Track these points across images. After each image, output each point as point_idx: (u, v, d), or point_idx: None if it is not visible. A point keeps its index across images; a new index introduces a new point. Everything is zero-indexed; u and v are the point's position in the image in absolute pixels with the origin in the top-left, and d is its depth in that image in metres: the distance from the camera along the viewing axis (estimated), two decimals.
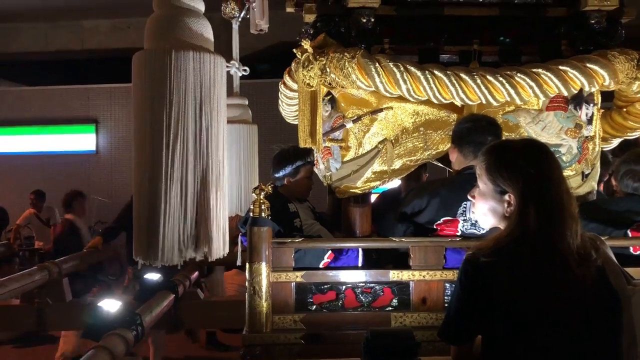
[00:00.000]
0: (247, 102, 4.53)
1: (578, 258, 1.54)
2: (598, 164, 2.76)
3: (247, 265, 2.39)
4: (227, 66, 4.43)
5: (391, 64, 2.48)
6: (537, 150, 1.67)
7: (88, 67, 12.08)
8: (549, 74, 2.46)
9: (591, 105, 2.68)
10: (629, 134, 2.90)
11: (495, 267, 1.56)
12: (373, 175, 2.74)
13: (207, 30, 2.12)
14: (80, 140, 11.09)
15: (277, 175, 3.18)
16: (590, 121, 2.70)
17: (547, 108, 2.66)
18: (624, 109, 2.87)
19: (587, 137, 2.69)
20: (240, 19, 4.33)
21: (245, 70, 4.51)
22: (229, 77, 4.46)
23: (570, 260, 1.53)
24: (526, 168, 1.61)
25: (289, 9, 3.68)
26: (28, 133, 11.10)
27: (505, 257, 1.56)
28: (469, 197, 1.81)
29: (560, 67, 2.48)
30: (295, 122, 2.79)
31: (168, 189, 2.02)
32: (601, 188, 3.36)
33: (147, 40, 2.10)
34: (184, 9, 2.08)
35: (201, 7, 2.15)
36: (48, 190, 8.77)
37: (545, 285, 1.53)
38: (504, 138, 2.60)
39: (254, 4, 4.16)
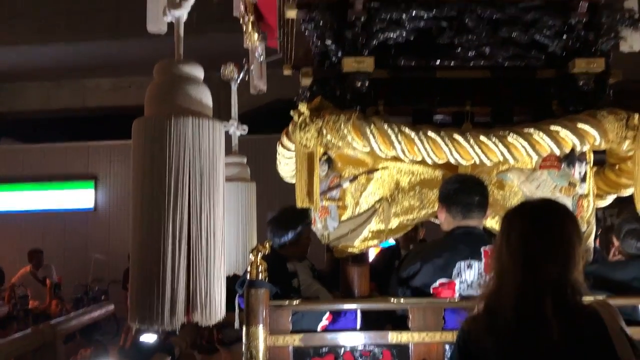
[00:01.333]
0: (245, 160, 4.59)
1: (569, 325, 1.53)
2: (594, 222, 2.77)
3: (244, 329, 2.36)
4: (226, 125, 4.53)
5: (386, 126, 2.54)
6: (536, 211, 1.67)
7: (89, 124, 12.27)
8: (541, 134, 2.52)
9: (584, 163, 2.72)
10: (623, 191, 2.93)
11: (480, 333, 1.56)
12: (370, 234, 2.75)
13: (206, 96, 2.18)
14: (79, 198, 11.13)
15: (278, 242, 3.19)
16: (583, 179, 2.73)
17: (540, 167, 2.70)
18: (617, 167, 2.91)
19: (581, 195, 2.72)
20: (238, 81, 4.45)
21: (244, 130, 4.60)
22: (228, 136, 4.54)
23: (554, 327, 1.51)
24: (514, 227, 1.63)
25: (287, 72, 3.79)
26: (27, 190, 11.15)
27: (489, 322, 1.56)
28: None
29: (552, 128, 2.53)
30: (293, 181, 2.83)
31: (166, 251, 2.02)
32: (597, 243, 3.37)
33: (147, 107, 2.16)
34: (184, 76, 2.14)
35: (200, 74, 2.21)
36: (46, 248, 8.74)
37: (528, 353, 1.52)
38: (499, 197, 2.62)
39: (252, 67, 4.28)
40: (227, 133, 4.43)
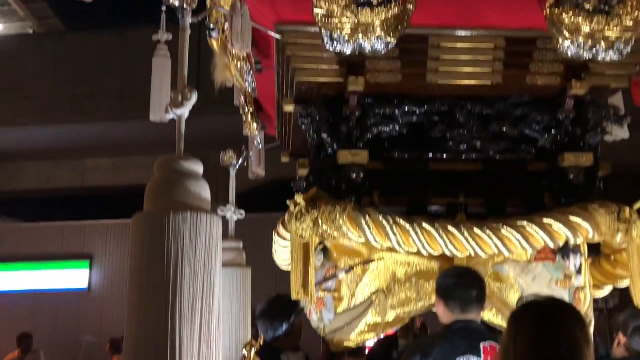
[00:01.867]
0: (241, 245, 4.59)
1: None
2: (592, 314, 2.75)
3: None
4: (223, 210, 4.56)
5: (381, 217, 2.57)
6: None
7: (87, 204, 12.32)
8: (534, 227, 2.55)
9: (579, 255, 2.74)
10: (619, 282, 2.92)
11: None
12: (367, 328, 2.72)
13: (204, 191, 2.22)
14: (73, 277, 10.98)
15: (271, 335, 3.14)
16: (579, 271, 2.74)
17: (535, 259, 2.72)
18: (612, 257, 2.92)
19: (577, 287, 2.72)
20: (237, 167, 4.52)
21: (241, 215, 4.62)
22: (225, 221, 4.57)
23: None
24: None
25: (284, 159, 3.87)
26: (19, 269, 11.02)
27: None
28: None
29: (545, 221, 2.57)
30: (289, 269, 2.83)
31: (162, 345, 2.00)
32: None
33: (147, 202, 2.19)
34: (184, 172, 2.19)
35: (200, 169, 2.26)
36: (37, 330, 8.54)
37: None
38: (495, 289, 2.62)
39: (251, 154, 4.38)
40: (224, 218, 4.46)
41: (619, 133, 3.18)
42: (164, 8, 2.70)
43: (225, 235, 4.49)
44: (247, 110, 3.95)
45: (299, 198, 2.67)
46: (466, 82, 2.84)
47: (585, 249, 2.78)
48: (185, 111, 2.27)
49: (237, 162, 4.49)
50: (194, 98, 2.22)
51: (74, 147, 11.41)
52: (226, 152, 4.42)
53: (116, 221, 10.76)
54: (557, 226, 2.55)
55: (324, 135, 2.86)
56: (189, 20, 2.38)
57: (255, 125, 3.97)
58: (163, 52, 3.48)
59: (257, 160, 4.34)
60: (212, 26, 3.38)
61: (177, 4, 2.34)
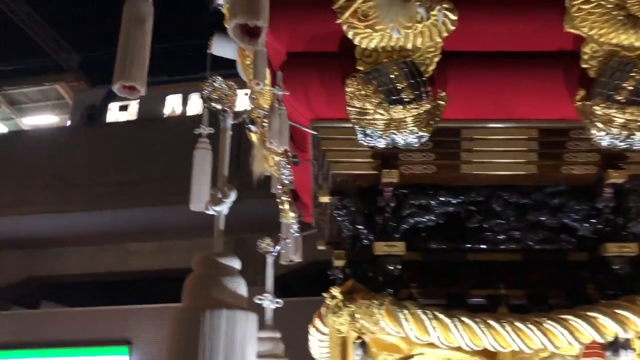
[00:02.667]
0: (279, 335, 4.53)
1: None
2: None
3: None
4: (261, 299, 4.55)
5: (419, 312, 2.53)
6: None
7: (129, 288, 12.46)
8: (579, 321, 2.46)
9: (629, 351, 2.60)
10: None
11: None
12: None
13: (240, 288, 2.24)
14: None
15: None
16: None
17: (584, 355, 2.60)
18: None
19: None
20: (275, 254, 4.55)
21: (278, 303, 4.60)
22: (262, 309, 4.55)
23: None
24: None
25: (320, 247, 3.89)
26: (62, 355, 11.05)
27: None
28: None
29: (590, 314, 2.48)
30: None
31: None
32: None
33: (184, 298, 2.22)
34: (221, 268, 2.23)
35: (237, 265, 2.30)
36: None
37: None
38: None
39: (288, 241, 4.41)
40: (260, 306, 4.45)
41: None
42: (205, 105, 2.84)
43: (263, 323, 4.47)
44: (283, 199, 4.03)
45: (336, 291, 2.67)
46: (501, 172, 2.85)
47: (636, 345, 2.65)
48: (224, 208, 2.35)
49: (274, 250, 4.52)
50: (232, 196, 2.30)
51: (116, 232, 11.72)
52: (263, 240, 4.47)
53: (156, 305, 10.81)
54: (603, 320, 2.46)
55: (360, 227, 2.88)
56: (229, 121, 2.50)
57: (291, 214, 4.02)
58: (204, 144, 3.64)
59: (293, 248, 4.37)
60: (251, 120, 3.52)
61: (218, 107, 2.48)
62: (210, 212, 2.40)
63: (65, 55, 14.57)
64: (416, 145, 2.72)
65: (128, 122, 12.46)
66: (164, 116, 12.58)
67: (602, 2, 2.57)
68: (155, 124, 12.11)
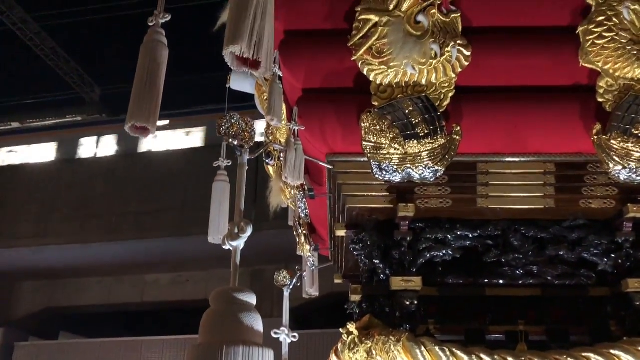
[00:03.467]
0: None
1: None
2: None
3: None
4: (277, 333, 4.53)
5: (437, 348, 2.50)
6: None
7: (145, 318, 12.45)
8: (601, 359, 2.41)
9: None
10: None
11: None
12: None
13: (257, 324, 2.24)
14: None
15: None
16: None
17: None
18: None
19: None
20: (291, 287, 4.54)
21: (294, 337, 4.57)
22: (279, 343, 4.52)
23: None
24: None
25: (337, 280, 3.87)
26: None
27: None
28: None
29: (612, 352, 2.43)
30: None
31: None
32: None
33: (202, 334, 2.22)
34: (238, 304, 2.23)
35: (253, 301, 2.30)
36: None
37: None
38: None
39: (304, 274, 4.40)
40: (277, 340, 4.42)
41: None
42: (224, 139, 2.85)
43: (279, 357, 4.43)
44: (300, 232, 4.04)
45: (352, 327, 2.65)
46: (518, 206, 2.83)
47: None
48: (240, 243, 2.36)
49: (291, 283, 4.51)
50: (249, 231, 2.31)
51: (134, 263, 11.77)
52: (280, 273, 4.46)
53: (172, 337, 10.77)
54: (626, 357, 2.40)
55: (376, 261, 2.87)
56: (246, 157, 2.53)
57: (308, 247, 4.02)
58: (222, 177, 3.69)
59: (310, 281, 4.35)
60: (268, 153, 3.56)
61: (235, 143, 2.52)
62: (227, 247, 2.41)
63: (87, 89, 14.90)
64: (432, 180, 2.72)
65: (143, 153, 12.64)
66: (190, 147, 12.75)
67: (616, 37, 2.59)
68: (171, 156, 12.27)
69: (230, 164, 3.60)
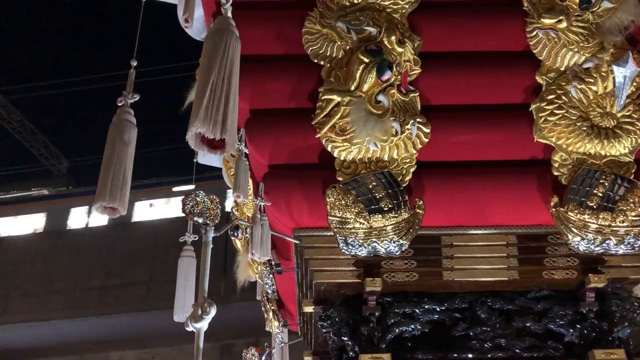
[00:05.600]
0: None
1: None
2: None
3: None
4: None
5: None
6: None
7: None
8: None
9: None
10: None
11: None
12: None
13: None
14: None
15: None
16: None
17: None
18: None
19: None
20: None
21: None
22: None
23: None
24: None
25: (307, 358, 3.78)
26: None
27: None
28: None
29: None
30: None
31: None
32: None
33: None
34: None
35: None
36: None
37: None
38: None
39: (274, 350, 4.30)
40: None
41: None
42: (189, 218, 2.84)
43: None
44: (268, 307, 3.97)
45: None
46: (483, 278, 2.86)
47: None
48: (204, 325, 2.31)
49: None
50: (212, 312, 2.27)
51: (99, 340, 11.30)
52: (248, 351, 4.35)
53: None
54: None
55: (344, 338, 2.82)
56: (211, 235, 2.53)
57: (276, 322, 3.95)
58: (188, 252, 3.64)
59: (279, 359, 4.25)
60: (235, 227, 3.55)
61: (200, 221, 2.52)
62: (190, 328, 2.36)
63: (54, 161, 14.78)
64: (397, 253, 2.74)
65: (111, 226, 12.41)
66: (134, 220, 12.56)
67: (567, 114, 2.72)
68: (137, 228, 12.08)
69: (196, 238, 3.58)
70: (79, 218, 13.36)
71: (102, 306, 10.96)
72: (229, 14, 1.86)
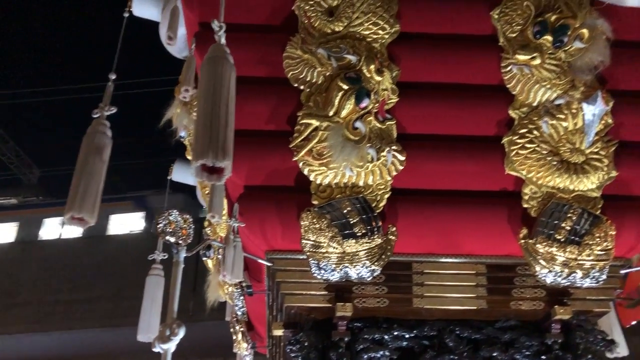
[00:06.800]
0: None
1: None
2: None
3: None
4: None
5: None
6: None
7: None
8: None
9: None
10: None
11: None
12: None
13: None
14: None
15: None
16: None
17: None
18: None
19: None
20: None
21: None
22: None
23: None
24: None
25: None
26: None
27: None
28: None
29: None
30: None
31: None
32: None
33: None
34: None
35: None
36: None
37: None
38: None
39: None
40: None
41: (619, 349, 3.14)
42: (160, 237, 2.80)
43: None
44: (237, 329, 3.94)
45: None
46: (452, 307, 2.88)
47: None
48: (171, 346, 2.29)
49: None
50: (181, 333, 2.26)
51: (62, 356, 11.01)
52: None
53: None
54: None
55: None
56: (182, 254, 2.52)
57: (245, 344, 3.91)
58: (157, 271, 3.59)
59: None
60: (208, 247, 3.53)
61: (172, 240, 2.50)
62: (157, 349, 2.33)
63: (25, 170, 14.52)
64: (369, 279, 2.76)
65: (82, 238, 12.19)
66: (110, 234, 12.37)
67: (538, 149, 2.79)
68: (109, 241, 11.89)
69: (166, 257, 3.54)
70: (51, 229, 13.10)
71: (68, 321, 10.71)
72: (223, 41, 1.88)
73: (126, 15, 2.69)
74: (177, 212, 2.55)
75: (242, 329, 3.89)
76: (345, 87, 2.73)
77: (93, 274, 11.15)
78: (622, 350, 3.51)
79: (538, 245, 2.69)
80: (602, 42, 2.80)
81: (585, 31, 2.80)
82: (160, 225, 2.47)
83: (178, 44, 3.14)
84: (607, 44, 2.82)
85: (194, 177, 3.88)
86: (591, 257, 2.67)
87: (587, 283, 2.70)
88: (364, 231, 2.72)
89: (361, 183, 2.77)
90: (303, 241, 2.72)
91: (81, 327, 10.59)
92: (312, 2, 2.88)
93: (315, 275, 2.76)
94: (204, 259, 3.75)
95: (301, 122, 2.77)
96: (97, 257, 11.49)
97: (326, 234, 2.72)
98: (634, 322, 3.47)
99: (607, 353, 2.95)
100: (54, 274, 11.23)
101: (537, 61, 2.81)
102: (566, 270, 2.67)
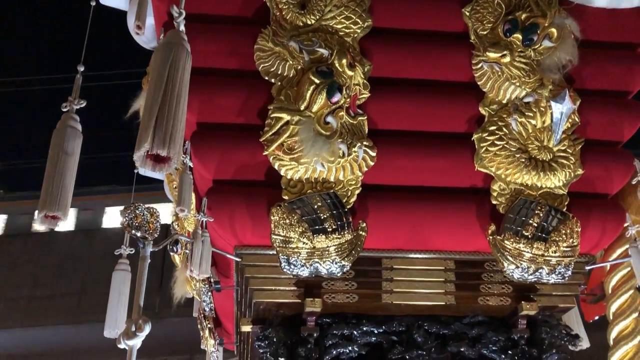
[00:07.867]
0: None
1: None
2: None
3: None
4: None
5: None
6: None
7: None
8: None
9: None
10: None
11: None
12: None
13: None
14: None
15: None
16: None
17: None
18: None
19: None
20: None
21: None
22: None
23: None
24: None
25: None
26: None
27: None
28: None
29: None
30: None
31: None
32: None
33: None
34: None
35: None
36: None
37: None
38: None
39: None
40: None
41: (581, 343, 3.20)
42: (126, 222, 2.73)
43: None
44: (204, 325, 3.89)
45: None
46: (421, 302, 2.90)
47: None
48: (137, 342, 2.23)
49: None
50: (147, 329, 2.20)
51: (24, 354, 10.72)
52: None
53: None
54: None
55: (282, 359, 2.79)
56: (149, 249, 2.46)
57: (212, 341, 3.87)
58: (123, 266, 3.52)
59: None
60: (175, 241, 3.46)
61: (138, 234, 2.44)
62: (123, 345, 2.27)
63: None
64: (339, 275, 2.75)
65: (45, 233, 11.89)
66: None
67: (507, 146, 2.82)
68: (72, 236, 11.63)
69: (133, 252, 3.46)
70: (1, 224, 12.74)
71: (30, 317, 10.43)
72: (182, 28, 1.83)
73: (93, 4, 2.62)
74: (144, 206, 2.48)
75: (209, 325, 3.84)
76: (317, 81, 2.71)
77: (55, 269, 10.89)
78: (584, 343, 3.59)
79: (506, 242, 2.72)
80: (570, 42, 2.85)
81: (554, 30, 2.84)
82: (126, 218, 2.40)
83: (146, 34, 3.07)
84: (575, 43, 2.86)
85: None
86: (557, 254, 2.71)
87: (553, 279, 2.74)
88: (334, 227, 2.70)
89: (332, 178, 2.76)
90: (273, 236, 2.69)
91: (44, 323, 10.32)
92: None
93: (284, 270, 2.73)
94: (172, 254, 3.69)
95: (272, 115, 2.73)
96: (59, 252, 11.22)
97: (296, 229, 2.69)
98: (596, 317, 3.54)
99: (570, 347, 3.01)
100: (15, 270, 10.93)
101: (507, 59, 2.84)
102: (533, 267, 2.70)
